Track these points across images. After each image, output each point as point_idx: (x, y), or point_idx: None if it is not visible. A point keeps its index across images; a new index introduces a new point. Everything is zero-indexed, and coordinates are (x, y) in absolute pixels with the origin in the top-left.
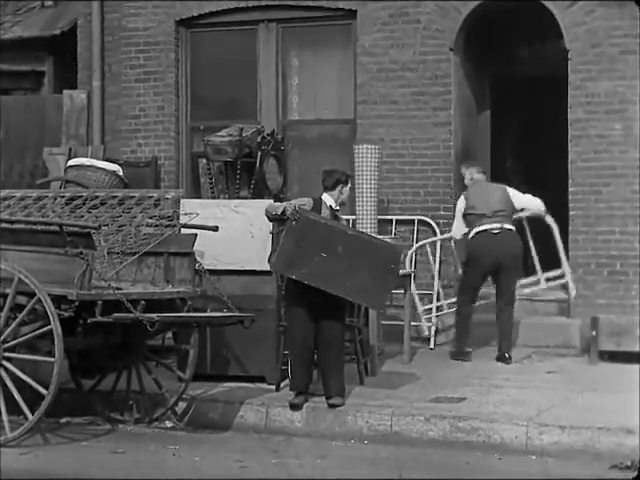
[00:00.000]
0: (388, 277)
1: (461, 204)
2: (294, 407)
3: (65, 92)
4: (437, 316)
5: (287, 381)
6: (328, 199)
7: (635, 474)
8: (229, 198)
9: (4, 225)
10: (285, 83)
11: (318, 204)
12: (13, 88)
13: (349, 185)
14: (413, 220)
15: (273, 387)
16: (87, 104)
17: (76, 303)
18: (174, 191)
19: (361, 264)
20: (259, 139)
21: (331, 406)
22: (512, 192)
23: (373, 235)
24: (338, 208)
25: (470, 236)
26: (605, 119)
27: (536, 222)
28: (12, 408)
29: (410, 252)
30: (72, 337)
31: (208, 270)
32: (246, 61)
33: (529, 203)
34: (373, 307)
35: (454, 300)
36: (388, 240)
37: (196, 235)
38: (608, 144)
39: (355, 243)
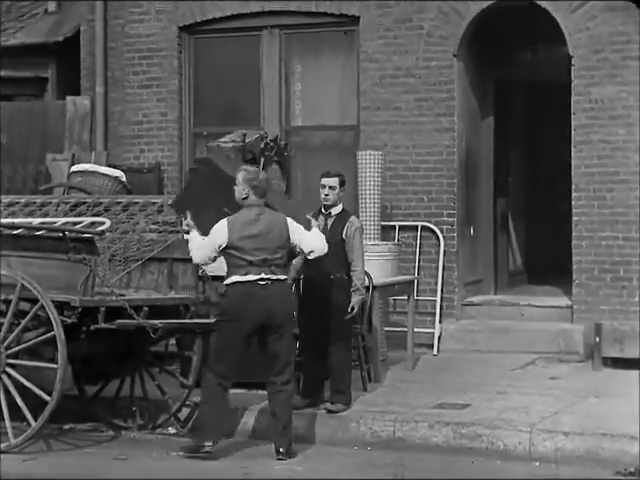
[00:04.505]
0: None
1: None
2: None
3: (68, 98)
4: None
5: None
6: None
7: None
8: None
9: (7, 231)
10: (288, 89)
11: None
12: (16, 94)
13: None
14: (416, 226)
15: None
16: (90, 110)
17: (79, 309)
18: None
19: None
20: (262, 145)
21: (328, 412)
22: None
23: None
24: (323, 211)
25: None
26: (608, 125)
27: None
28: (15, 414)
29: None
30: (75, 343)
31: (211, 276)
32: (249, 67)
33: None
34: None
35: None
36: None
37: None
38: (611, 150)
39: None
